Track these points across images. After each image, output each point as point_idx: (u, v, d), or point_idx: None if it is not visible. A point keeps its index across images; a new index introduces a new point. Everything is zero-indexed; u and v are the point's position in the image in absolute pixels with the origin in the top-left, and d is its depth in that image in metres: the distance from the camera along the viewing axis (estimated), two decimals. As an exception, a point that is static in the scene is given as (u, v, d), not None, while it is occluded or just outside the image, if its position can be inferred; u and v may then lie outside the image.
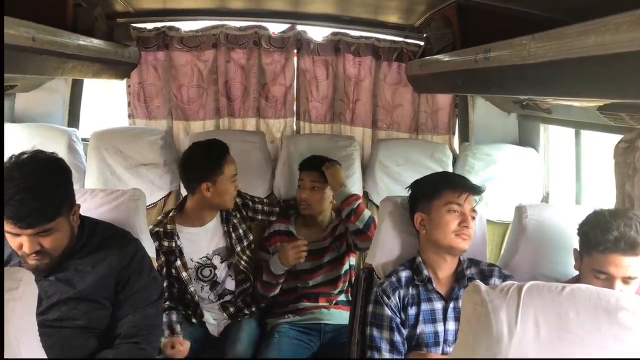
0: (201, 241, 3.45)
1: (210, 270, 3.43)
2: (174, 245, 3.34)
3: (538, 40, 1.97)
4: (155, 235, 3.27)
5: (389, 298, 2.59)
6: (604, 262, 2.34)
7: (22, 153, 2.26)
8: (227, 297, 3.49)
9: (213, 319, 3.47)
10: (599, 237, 2.33)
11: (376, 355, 2.56)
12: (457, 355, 1.61)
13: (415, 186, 2.78)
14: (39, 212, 2.20)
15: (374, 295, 2.63)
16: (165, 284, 3.28)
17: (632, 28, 1.42)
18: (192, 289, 3.37)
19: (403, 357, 2.57)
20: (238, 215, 3.57)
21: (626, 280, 2.33)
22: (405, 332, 2.59)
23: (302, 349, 3.36)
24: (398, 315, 2.59)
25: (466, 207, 2.59)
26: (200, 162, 3.38)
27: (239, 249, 3.48)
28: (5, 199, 2.13)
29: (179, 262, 3.34)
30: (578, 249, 2.51)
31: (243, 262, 3.48)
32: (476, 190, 2.63)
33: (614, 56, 1.51)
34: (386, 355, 2.55)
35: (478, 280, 1.63)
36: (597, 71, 1.65)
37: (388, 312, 2.58)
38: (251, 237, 3.60)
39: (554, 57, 1.86)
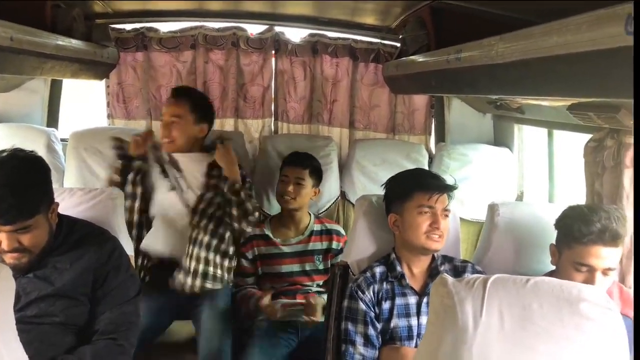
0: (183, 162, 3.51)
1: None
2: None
3: (505, 41, 2.02)
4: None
5: (363, 293, 2.62)
6: (585, 254, 2.37)
7: (1, 151, 2.28)
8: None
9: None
10: (583, 229, 2.35)
11: (351, 349, 2.59)
12: (425, 345, 1.65)
13: (388, 186, 2.81)
14: (17, 209, 2.21)
15: (349, 290, 2.66)
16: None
17: (592, 28, 1.47)
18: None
19: (377, 350, 2.61)
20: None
21: (606, 271, 2.37)
22: (379, 326, 2.62)
23: (281, 346, 3.37)
24: (372, 309, 2.62)
25: (438, 207, 2.61)
26: None
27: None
28: None
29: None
30: (555, 244, 2.55)
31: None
32: (448, 188, 2.65)
33: (576, 55, 1.56)
34: (360, 348, 2.58)
35: (445, 274, 1.67)
36: (561, 70, 1.69)
37: (362, 306, 2.61)
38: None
39: (521, 57, 1.91)
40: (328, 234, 3.70)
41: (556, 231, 2.55)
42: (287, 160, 3.74)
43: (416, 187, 2.64)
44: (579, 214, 2.41)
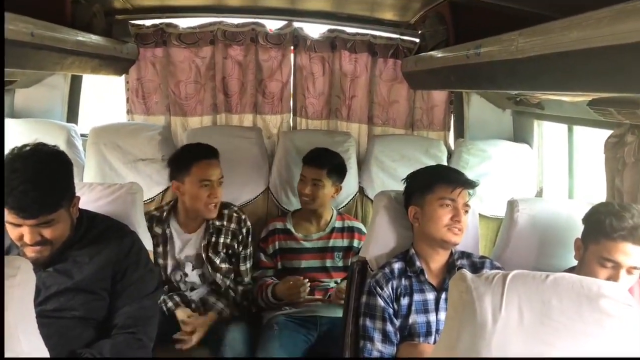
0: (181, 242, 3.47)
1: (181, 275, 3.46)
2: (161, 231, 3.41)
3: (525, 36, 2.01)
4: (149, 218, 3.32)
5: (382, 289, 2.63)
6: (613, 250, 2.36)
7: (25, 145, 2.29)
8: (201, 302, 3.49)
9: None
10: (615, 224, 2.34)
11: (369, 345, 2.60)
12: (444, 341, 1.65)
13: (410, 179, 2.81)
14: (41, 203, 2.23)
15: (367, 286, 2.67)
16: None
17: (612, 22, 1.46)
18: (169, 276, 3.43)
19: (395, 347, 2.62)
20: (228, 232, 3.52)
21: (630, 270, 2.36)
22: (397, 322, 2.63)
23: (300, 341, 3.39)
24: (391, 305, 2.63)
25: (459, 202, 2.62)
26: (175, 160, 3.43)
27: (216, 265, 3.47)
28: (7, 189, 2.16)
29: (160, 249, 3.39)
30: (580, 239, 2.54)
31: (219, 276, 3.48)
32: (470, 184, 2.67)
33: (596, 50, 1.55)
34: (378, 345, 2.59)
35: (464, 269, 1.67)
36: (581, 65, 1.69)
37: (381, 302, 2.62)
38: (242, 255, 3.58)
39: (540, 52, 1.90)
40: (350, 231, 3.71)
41: (583, 226, 2.54)
42: (306, 159, 3.73)
43: (439, 180, 2.66)
44: (611, 209, 2.40)
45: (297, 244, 3.63)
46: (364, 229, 3.74)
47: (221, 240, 3.48)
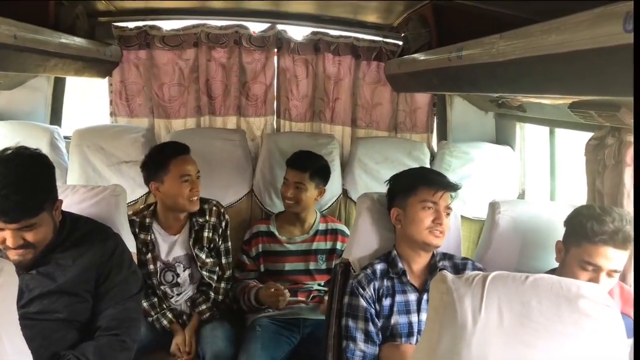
0: (167, 245, 3.47)
1: (172, 276, 3.45)
2: (148, 238, 3.39)
3: (506, 39, 2.03)
4: (131, 223, 3.27)
5: (364, 289, 2.64)
6: (594, 254, 2.37)
7: (6, 149, 2.30)
8: (189, 302, 3.51)
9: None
10: (596, 228, 2.36)
11: (351, 345, 2.61)
12: (424, 342, 1.66)
13: (393, 181, 2.82)
14: (23, 207, 2.23)
15: (350, 287, 2.68)
16: None
17: (591, 26, 1.47)
18: (155, 282, 3.41)
19: (377, 347, 2.63)
20: (210, 222, 3.54)
21: (611, 273, 2.38)
22: (380, 322, 2.64)
23: (283, 343, 3.39)
24: (373, 306, 2.64)
25: (441, 205, 2.63)
26: (150, 161, 3.42)
27: (202, 260, 3.48)
28: None
29: (149, 255, 3.38)
30: (562, 241, 2.55)
31: (206, 274, 3.49)
32: (452, 187, 2.67)
33: (574, 54, 1.56)
34: (361, 345, 2.61)
35: (445, 270, 1.69)
36: (560, 68, 1.70)
37: (363, 303, 2.63)
38: (222, 249, 3.60)
39: (521, 55, 1.92)
40: (333, 234, 3.73)
41: (565, 228, 2.55)
42: (289, 162, 3.73)
43: (421, 182, 2.66)
44: (593, 213, 2.42)
45: (281, 247, 3.63)
46: (347, 231, 3.75)
47: (205, 234, 3.50)
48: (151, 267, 3.38)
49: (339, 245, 3.70)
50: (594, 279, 2.37)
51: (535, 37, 1.80)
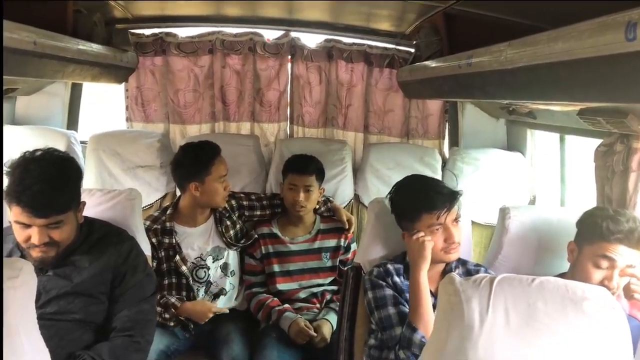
0: (195, 242, 3.50)
1: (205, 272, 3.48)
2: (173, 241, 3.42)
3: (514, 47, 2.06)
4: (153, 232, 3.36)
5: (384, 280, 2.62)
6: (610, 249, 2.37)
7: (36, 150, 2.36)
8: (222, 297, 3.54)
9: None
10: (611, 227, 2.36)
11: (392, 333, 2.55)
12: (433, 342, 1.68)
13: (394, 205, 2.78)
14: (54, 203, 2.29)
15: (370, 283, 2.65)
16: (166, 281, 3.40)
17: (593, 35, 1.51)
18: (191, 282, 3.44)
19: None
20: (233, 217, 3.62)
21: (624, 271, 2.39)
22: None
23: (298, 347, 3.39)
24: (398, 294, 2.62)
25: (448, 222, 2.59)
26: (190, 162, 3.44)
27: (232, 250, 3.56)
28: (19, 189, 2.23)
29: (178, 257, 3.41)
30: (574, 241, 2.55)
31: (234, 256, 3.59)
32: (452, 200, 2.61)
33: (579, 61, 1.60)
34: (398, 330, 2.53)
35: (453, 273, 1.71)
36: (566, 76, 1.73)
37: (389, 291, 2.60)
38: (244, 240, 3.64)
39: (528, 63, 1.95)
40: (335, 231, 3.74)
41: (577, 229, 2.56)
42: (292, 168, 3.70)
43: (422, 209, 2.60)
44: (607, 213, 2.43)
45: (285, 247, 3.65)
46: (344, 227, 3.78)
47: (228, 223, 3.59)
48: (183, 268, 3.41)
49: (342, 242, 3.72)
50: (608, 277, 2.38)
51: (542, 45, 1.83)
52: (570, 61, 1.64)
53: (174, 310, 3.30)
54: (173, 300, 3.34)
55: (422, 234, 2.57)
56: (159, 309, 3.26)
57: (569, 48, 1.63)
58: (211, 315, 3.36)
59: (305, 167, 3.67)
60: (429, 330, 2.35)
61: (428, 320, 2.43)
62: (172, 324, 3.34)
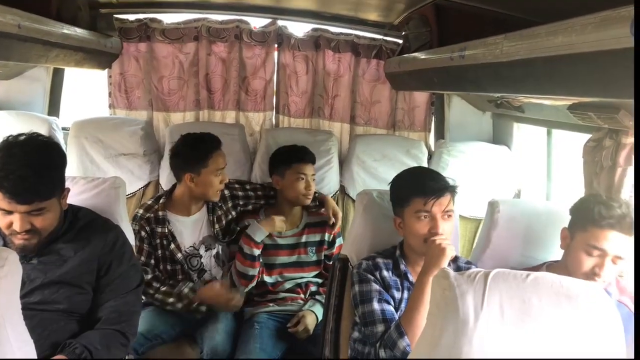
0: (188, 230, 3.50)
1: (197, 260, 3.49)
2: (167, 230, 3.41)
3: (510, 40, 2.04)
4: (146, 221, 3.35)
5: (372, 274, 2.60)
6: (601, 237, 2.39)
7: (20, 134, 2.30)
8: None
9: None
10: (604, 212, 2.38)
11: (374, 330, 2.52)
12: (426, 337, 1.66)
13: (392, 189, 2.76)
14: (37, 190, 2.23)
15: (357, 276, 2.62)
16: (161, 267, 3.42)
17: (597, 29, 1.49)
18: (186, 268, 3.46)
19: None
20: (224, 207, 3.61)
21: (615, 259, 2.40)
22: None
23: (281, 340, 3.38)
24: (384, 290, 2.59)
25: (436, 212, 2.54)
26: (187, 152, 3.43)
27: (219, 244, 3.56)
28: (2, 174, 2.17)
29: (173, 245, 3.41)
30: (567, 228, 2.56)
31: (227, 254, 3.59)
32: (444, 190, 2.58)
33: (580, 56, 1.58)
34: (380, 326, 2.51)
35: (447, 267, 1.70)
36: (565, 70, 1.72)
37: (375, 285, 2.58)
38: (237, 228, 3.63)
39: (525, 56, 1.94)
40: (321, 225, 3.72)
41: (570, 216, 2.57)
42: (299, 157, 3.65)
43: (413, 193, 2.58)
44: (600, 200, 2.45)
45: (271, 241, 3.60)
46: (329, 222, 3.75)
47: (219, 212, 3.58)
48: (179, 255, 3.42)
49: (326, 237, 3.69)
50: (599, 265, 2.40)
51: (541, 39, 1.81)
52: (570, 55, 1.62)
53: (190, 299, 3.35)
54: (186, 290, 3.35)
55: (444, 237, 2.51)
56: (170, 299, 3.30)
57: (570, 42, 1.61)
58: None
59: (310, 156, 3.66)
60: (415, 337, 2.33)
61: (418, 326, 2.37)
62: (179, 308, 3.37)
